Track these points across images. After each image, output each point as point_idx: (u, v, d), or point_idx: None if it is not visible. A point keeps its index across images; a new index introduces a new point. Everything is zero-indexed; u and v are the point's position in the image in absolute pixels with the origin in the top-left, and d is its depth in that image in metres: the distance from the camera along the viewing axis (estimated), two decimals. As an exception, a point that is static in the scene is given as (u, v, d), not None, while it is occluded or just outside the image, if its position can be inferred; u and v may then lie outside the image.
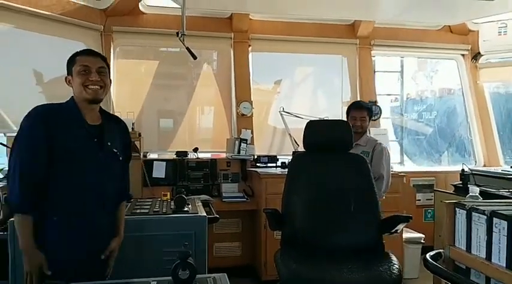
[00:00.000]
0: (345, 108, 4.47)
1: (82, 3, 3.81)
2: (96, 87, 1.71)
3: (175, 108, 4.33)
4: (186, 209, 2.62)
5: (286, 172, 3.67)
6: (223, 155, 4.14)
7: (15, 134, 3.31)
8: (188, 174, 3.91)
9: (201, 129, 4.46)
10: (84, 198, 1.71)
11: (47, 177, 1.66)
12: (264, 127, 4.46)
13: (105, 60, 1.82)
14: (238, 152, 3.92)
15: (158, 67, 4.30)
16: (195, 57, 3.28)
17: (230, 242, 3.93)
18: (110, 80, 1.83)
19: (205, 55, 4.45)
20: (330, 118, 3.86)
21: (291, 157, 4.02)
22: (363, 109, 3.09)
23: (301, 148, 3.96)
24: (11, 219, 2.32)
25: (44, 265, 1.63)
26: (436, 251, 1.58)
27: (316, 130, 2.57)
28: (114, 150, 1.80)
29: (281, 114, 4.04)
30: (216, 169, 3.96)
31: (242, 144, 3.92)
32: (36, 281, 1.61)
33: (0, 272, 2.21)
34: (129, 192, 2.08)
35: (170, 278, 1.27)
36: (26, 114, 1.70)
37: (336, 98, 4.60)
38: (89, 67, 1.72)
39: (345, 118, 3.23)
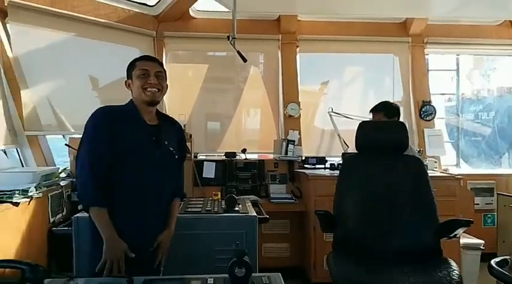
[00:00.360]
0: (397, 109, 4.36)
1: (136, 10, 3.98)
2: (154, 89, 1.80)
3: (223, 111, 4.41)
4: (236, 209, 2.66)
5: (335, 174, 3.66)
6: (271, 156, 4.16)
7: (74, 136, 3.56)
8: (237, 174, 3.96)
9: (248, 131, 4.49)
10: (143, 194, 1.79)
11: (112, 173, 1.75)
12: (311, 129, 4.42)
13: (162, 65, 1.92)
14: (286, 153, 3.91)
15: (206, 71, 4.40)
16: (245, 60, 3.32)
17: (278, 243, 3.93)
18: (167, 84, 1.92)
19: (252, 58, 4.48)
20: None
21: (340, 159, 3.99)
22: (378, 112, 3.04)
23: (351, 150, 3.91)
24: (75, 215, 2.48)
25: (126, 250, 1.69)
26: (502, 257, 1.50)
27: (369, 130, 2.51)
28: (171, 149, 1.87)
29: (330, 115, 3.99)
30: (263, 170, 3.98)
31: (290, 145, 3.92)
32: (123, 267, 1.64)
33: (65, 265, 2.35)
34: (184, 191, 2.13)
35: (226, 275, 1.29)
36: (91, 114, 1.81)
37: (387, 98, 4.43)
38: (148, 71, 1.81)
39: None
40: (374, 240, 2.27)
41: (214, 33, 4.07)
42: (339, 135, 4.03)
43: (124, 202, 1.79)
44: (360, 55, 4.53)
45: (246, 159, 4.02)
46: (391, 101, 3.27)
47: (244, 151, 3.99)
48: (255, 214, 2.64)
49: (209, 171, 3.91)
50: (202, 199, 3.01)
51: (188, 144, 3.68)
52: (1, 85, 3.12)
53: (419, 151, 3.79)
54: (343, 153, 3.89)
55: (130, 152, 1.77)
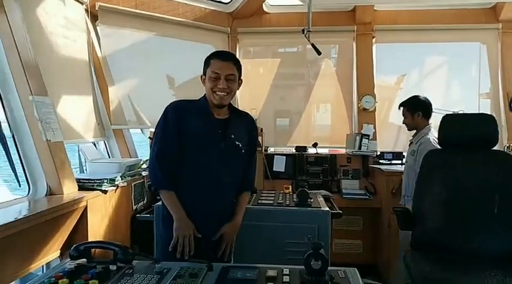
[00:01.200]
0: (483, 100, 3.99)
1: (212, 8, 4.11)
2: (223, 94, 1.84)
3: (292, 108, 4.41)
4: (308, 203, 2.64)
5: (413, 170, 3.50)
6: (343, 151, 4.07)
7: (152, 129, 3.78)
8: (307, 168, 3.94)
9: (318, 127, 4.44)
10: (203, 184, 1.87)
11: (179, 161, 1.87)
12: (386, 124, 4.24)
13: (237, 63, 1.91)
14: (359, 148, 3.80)
15: (277, 67, 4.42)
16: (319, 53, 3.28)
17: (350, 239, 3.86)
18: (241, 81, 1.95)
19: (324, 51, 4.38)
20: (465, 112, 3.48)
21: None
22: (401, 107, 3.06)
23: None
24: (156, 204, 2.64)
25: (194, 230, 1.80)
26: None
27: (454, 124, 2.34)
28: (237, 143, 1.90)
29: (408, 109, 3.79)
30: (335, 164, 3.91)
31: (364, 139, 3.80)
32: (192, 244, 1.76)
33: (146, 249, 2.51)
34: (253, 185, 2.14)
35: (301, 267, 1.28)
36: (164, 108, 1.94)
37: (472, 90, 4.13)
38: (219, 74, 1.84)
39: (482, 112, 2.90)
40: (457, 240, 2.12)
41: (288, 27, 4.07)
42: (418, 129, 3.81)
43: (186, 191, 1.88)
44: (441, 44, 4.24)
45: (317, 153, 3.98)
46: (421, 96, 3.09)
47: (315, 145, 3.95)
48: (328, 209, 2.61)
49: (279, 165, 3.93)
50: (273, 191, 3.03)
51: (259, 138, 3.74)
52: (92, 84, 3.41)
53: (508, 147, 3.47)
54: (422, 149, 3.68)
55: (194, 143, 1.86)
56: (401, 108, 3.06)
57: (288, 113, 4.42)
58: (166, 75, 3.99)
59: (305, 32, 3.09)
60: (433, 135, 2.86)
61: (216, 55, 1.90)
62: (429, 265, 2.01)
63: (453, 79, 4.26)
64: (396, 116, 4.15)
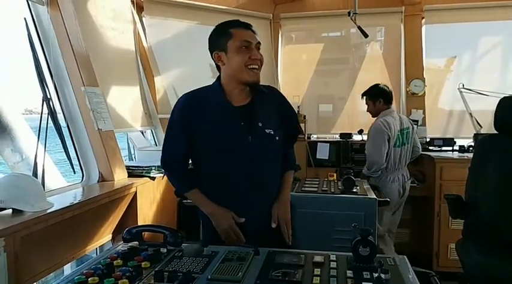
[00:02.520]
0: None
1: (253, -6, 4.08)
2: (257, 66, 1.54)
3: (336, 93, 4.29)
4: (354, 190, 2.60)
5: (465, 157, 3.35)
6: (390, 138, 3.93)
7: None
8: (352, 156, 3.85)
9: (362, 113, 4.21)
10: (235, 184, 1.56)
11: (197, 163, 1.63)
12: (435, 109, 4.03)
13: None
14: (408, 134, 3.65)
15: (320, 52, 4.31)
16: (366, 35, 3.19)
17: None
18: None
19: (370, 33, 4.23)
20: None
21: (471, 140, 3.59)
22: (363, 97, 3.24)
23: (484, 130, 3.50)
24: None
25: (234, 217, 1.55)
26: None
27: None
28: (267, 131, 1.57)
29: (460, 92, 3.60)
30: (382, 151, 3.78)
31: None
32: (238, 232, 1.54)
33: (194, 234, 2.57)
34: (295, 162, 1.82)
35: (349, 254, 1.26)
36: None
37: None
38: (250, 43, 1.52)
39: None
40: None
41: (331, 10, 3.97)
42: (470, 114, 3.62)
43: (211, 189, 1.60)
44: (496, 23, 3.95)
45: (362, 140, 3.88)
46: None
47: (360, 132, 3.85)
48: (375, 196, 2.55)
49: (323, 152, 3.87)
50: (317, 179, 3.01)
51: (302, 125, 3.69)
52: (139, 74, 3.51)
53: None
54: (475, 134, 3.49)
55: (213, 146, 1.54)
56: (364, 97, 3.24)
57: (332, 99, 4.31)
58: (209, 64, 4.01)
59: (351, 14, 3.00)
60: (386, 119, 3.01)
61: (236, 24, 1.56)
62: (483, 254, 1.92)
63: (509, 60, 3.97)
64: (446, 101, 3.98)
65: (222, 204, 1.58)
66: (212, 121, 1.55)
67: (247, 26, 1.57)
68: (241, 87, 1.57)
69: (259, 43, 1.56)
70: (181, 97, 1.65)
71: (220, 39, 1.55)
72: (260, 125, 1.56)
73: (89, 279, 1.08)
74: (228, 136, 1.52)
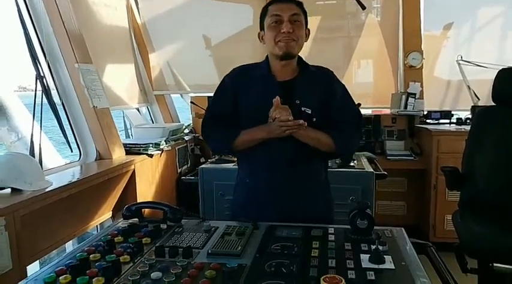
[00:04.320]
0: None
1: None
2: (288, 39, 1.49)
3: (331, 63, 4.10)
4: (352, 164, 2.61)
5: (462, 129, 3.35)
6: (387, 111, 3.92)
7: (198, 94, 3.81)
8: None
9: (359, 85, 4.18)
10: (267, 159, 1.55)
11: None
12: (431, 79, 3.95)
13: (301, 6, 1.57)
14: (405, 107, 3.63)
15: (314, 21, 4.09)
16: (363, 7, 3.10)
17: (394, 201, 3.80)
18: (308, 30, 1.61)
19: (367, 2, 4.10)
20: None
21: (468, 113, 3.59)
22: None
23: (481, 103, 3.49)
24: (200, 166, 2.72)
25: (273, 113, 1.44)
26: None
27: (510, 79, 2.16)
28: (303, 109, 1.52)
29: (459, 64, 3.56)
30: (379, 125, 3.78)
31: (410, 98, 3.62)
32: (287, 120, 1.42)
33: (193, 209, 2.60)
34: (346, 146, 1.62)
35: (347, 226, 1.28)
36: None
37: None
38: (281, 16, 1.50)
39: None
40: (510, 201, 2.02)
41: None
42: (468, 86, 3.60)
43: (248, 165, 1.64)
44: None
45: (360, 114, 3.85)
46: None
47: (358, 105, 3.81)
48: (372, 170, 2.57)
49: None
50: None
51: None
52: (133, 50, 3.46)
53: None
54: (472, 106, 3.48)
55: (252, 114, 1.54)
56: None
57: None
58: (202, 35, 3.93)
59: (348, -17, 2.92)
60: None
61: (273, 0, 1.55)
62: (479, 225, 1.95)
63: (509, 31, 3.91)
64: (443, 70, 3.92)
65: (259, 176, 1.59)
66: (255, 93, 1.57)
67: (286, 0, 1.53)
68: (281, 62, 1.57)
69: (294, 15, 1.51)
70: (231, 71, 1.67)
71: (261, 18, 1.59)
72: (297, 102, 1.53)
73: (91, 256, 1.09)
74: (263, 110, 1.47)
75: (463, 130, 3.33)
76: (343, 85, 1.66)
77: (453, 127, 3.55)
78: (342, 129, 1.56)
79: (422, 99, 3.73)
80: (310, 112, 1.53)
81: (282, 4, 1.52)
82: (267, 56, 1.63)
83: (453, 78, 3.85)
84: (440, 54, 3.97)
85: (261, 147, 1.54)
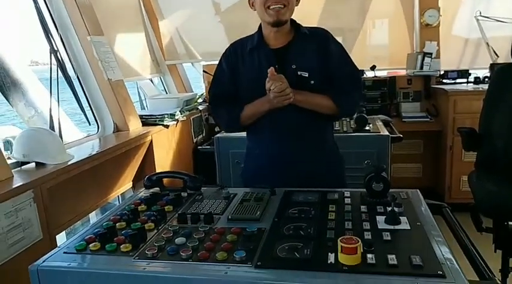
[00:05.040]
0: None
1: None
2: (278, 6, 1.47)
3: (345, 24, 3.98)
4: (367, 128, 2.61)
5: (480, 88, 3.28)
6: (403, 72, 3.84)
7: (210, 63, 3.78)
8: (364, 93, 3.78)
9: (375, 46, 4.06)
10: (273, 130, 1.57)
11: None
12: (448, 38, 3.82)
13: None
14: (421, 68, 3.56)
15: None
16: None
17: (410, 163, 3.79)
18: None
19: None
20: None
21: (487, 71, 3.50)
22: None
23: (501, 60, 3.38)
24: (216, 136, 2.75)
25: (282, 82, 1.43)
26: None
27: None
28: (299, 73, 1.52)
29: (477, 20, 3.43)
30: (395, 87, 3.72)
31: (426, 58, 3.54)
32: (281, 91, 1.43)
33: (211, 177, 2.66)
34: (349, 106, 1.63)
35: (364, 190, 1.30)
36: None
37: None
38: None
39: None
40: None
41: None
42: (487, 43, 3.48)
43: (255, 136, 1.66)
44: None
45: (375, 76, 3.80)
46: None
47: (373, 68, 3.76)
48: (387, 133, 2.56)
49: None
50: (330, 118, 2.99)
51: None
52: (143, 19, 3.42)
53: None
54: (491, 64, 3.38)
55: (250, 84, 1.56)
56: None
57: (341, 31, 4.06)
58: (213, 3, 3.86)
59: None
60: None
61: None
62: (496, 184, 1.95)
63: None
64: (461, 29, 3.79)
65: (264, 147, 1.62)
66: (251, 65, 1.58)
67: None
68: (273, 29, 1.55)
69: None
70: (229, 45, 1.68)
71: None
72: (293, 67, 1.52)
73: (117, 224, 1.14)
74: (262, 80, 1.46)
75: (480, 89, 3.26)
76: (340, 44, 1.65)
77: (470, 86, 3.48)
78: (342, 90, 1.56)
79: (439, 58, 3.63)
80: (307, 75, 1.53)
81: None
82: (260, 25, 1.61)
83: (472, 36, 3.73)
84: (458, 11, 3.82)
85: (266, 118, 1.56)
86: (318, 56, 1.56)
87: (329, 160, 1.66)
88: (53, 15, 2.34)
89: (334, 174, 1.66)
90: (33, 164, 1.80)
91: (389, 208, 1.12)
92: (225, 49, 1.68)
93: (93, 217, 2.39)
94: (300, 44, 1.57)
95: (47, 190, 1.66)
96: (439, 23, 3.65)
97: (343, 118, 2.91)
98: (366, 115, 2.63)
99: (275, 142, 1.59)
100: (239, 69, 1.60)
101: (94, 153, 2.08)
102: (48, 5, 2.32)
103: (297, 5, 1.57)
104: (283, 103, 1.47)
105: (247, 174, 1.71)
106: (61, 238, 1.89)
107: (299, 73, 1.52)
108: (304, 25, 1.64)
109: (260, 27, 1.61)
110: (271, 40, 1.58)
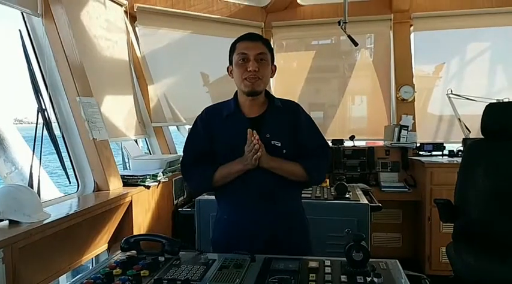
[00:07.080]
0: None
1: (246, 3, 4.13)
2: (254, 78, 1.57)
3: (327, 100, 4.33)
4: (347, 196, 2.64)
5: (454, 161, 3.42)
6: (380, 143, 4.00)
7: (189, 127, 3.87)
8: (344, 162, 3.90)
9: (354, 119, 4.33)
10: (245, 193, 1.62)
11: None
12: (424, 115, 4.11)
13: (267, 43, 1.65)
14: (398, 140, 3.72)
15: (311, 60, 4.36)
16: (356, 44, 3.24)
17: (389, 232, 3.81)
18: (274, 66, 1.69)
19: (359, 41, 4.28)
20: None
21: (460, 145, 3.67)
22: None
23: (472, 135, 3.57)
24: (197, 198, 2.74)
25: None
26: None
27: (498, 114, 2.25)
28: (272, 142, 1.60)
29: (449, 97, 3.68)
30: (373, 157, 3.85)
31: (402, 130, 3.71)
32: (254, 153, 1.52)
33: (190, 241, 2.60)
34: (316, 173, 1.68)
35: (342, 259, 1.30)
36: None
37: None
38: (247, 55, 1.57)
39: None
40: (502, 232, 2.05)
41: (322, 19, 4.05)
42: (459, 119, 3.70)
43: (226, 201, 1.70)
44: (484, 29, 4.03)
45: (354, 146, 3.93)
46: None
47: (352, 138, 3.90)
48: (367, 202, 2.60)
49: (316, 158, 3.91)
50: (310, 185, 3.03)
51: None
52: (132, 83, 3.53)
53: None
54: (464, 139, 3.57)
55: (226, 153, 1.62)
56: None
57: (323, 106, 4.35)
58: (200, 72, 4.06)
59: (341, 23, 3.06)
60: None
61: (242, 38, 1.63)
62: (473, 256, 1.97)
63: (497, 66, 4.06)
64: (436, 106, 4.05)
65: (235, 210, 1.65)
66: (226, 132, 1.64)
67: (251, 37, 1.62)
68: (249, 98, 1.64)
69: (260, 54, 1.59)
70: (204, 108, 1.75)
71: (230, 53, 1.66)
72: (267, 136, 1.60)
73: (90, 289, 1.10)
74: (238, 147, 1.56)
75: (455, 162, 3.39)
76: (309, 117, 1.75)
77: (445, 159, 3.62)
78: (311, 159, 1.65)
79: (415, 131, 3.82)
80: (280, 145, 1.61)
81: (249, 43, 1.60)
82: (235, 93, 1.71)
83: (445, 113, 3.97)
84: (433, 92, 4.12)
85: (238, 182, 1.61)
86: (289, 127, 1.66)
87: (295, 226, 1.70)
88: (44, 75, 2.40)
89: (298, 240, 1.68)
90: (7, 222, 1.74)
91: (369, 279, 1.12)
92: (201, 111, 1.74)
93: (64, 279, 2.27)
94: (274, 115, 1.67)
95: (18, 250, 1.59)
96: (414, 98, 3.90)
97: (323, 185, 2.97)
98: (345, 183, 2.68)
99: (247, 207, 1.62)
100: (214, 133, 1.66)
101: (72, 212, 2.02)
102: (41, 65, 2.39)
103: (272, 77, 1.70)
104: (255, 161, 1.54)
105: (217, 242, 1.71)
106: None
107: (272, 142, 1.61)
108: (286, 98, 1.76)
109: (236, 94, 1.70)
110: (246, 108, 1.66)
